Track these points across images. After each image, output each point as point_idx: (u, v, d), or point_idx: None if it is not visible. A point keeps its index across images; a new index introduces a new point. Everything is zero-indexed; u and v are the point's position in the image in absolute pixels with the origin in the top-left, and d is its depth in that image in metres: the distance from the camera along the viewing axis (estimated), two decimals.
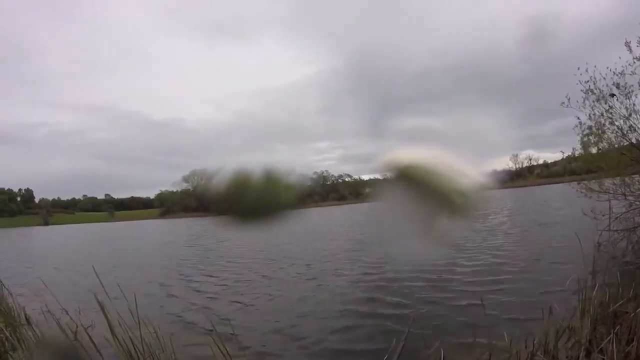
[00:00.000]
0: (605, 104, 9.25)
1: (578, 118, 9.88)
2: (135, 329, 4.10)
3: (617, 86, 8.97)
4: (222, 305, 8.11)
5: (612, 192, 9.83)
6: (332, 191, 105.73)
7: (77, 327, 5.48)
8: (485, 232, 15.18)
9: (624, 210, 9.76)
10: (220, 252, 17.21)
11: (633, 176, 9.54)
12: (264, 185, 0.90)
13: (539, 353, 4.14)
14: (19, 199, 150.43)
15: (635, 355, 3.64)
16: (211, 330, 4.19)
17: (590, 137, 10.02)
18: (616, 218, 9.72)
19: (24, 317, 7.19)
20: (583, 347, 3.99)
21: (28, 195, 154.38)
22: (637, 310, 4.19)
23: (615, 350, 3.56)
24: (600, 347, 3.79)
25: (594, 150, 10.24)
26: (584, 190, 10.41)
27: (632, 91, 8.87)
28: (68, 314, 5.35)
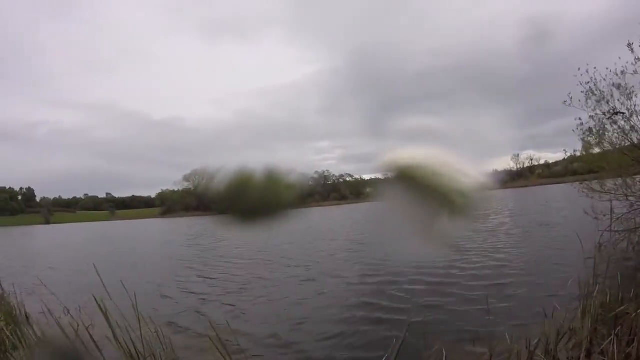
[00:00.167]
0: (607, 104, 9.24)
1: (580, 119, 9.89)
2: (136, 328, 4.10)
3: (618, 87, 8.96)
4: (222, 305, 8.12)
5: (613, 192, 9.82)
6: (333, 191, 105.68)
7: (77, 326, 5.48)
8: (486, 232, 15.16)
9: (625, 211, 9.74)
10: (220, 252, 17.20)
11: (635, 177, 9.53)
12: (265, 185, 0.90)
13: (539, 353, 4.14)
14: (20, 197, 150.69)
15: (636, 357, 3.64)
16: (211, 330, 4.19)
17: (592, 138, 10.01)
18: (617, 219, 9.72)
19: (24, 315, 7.21)
20: (584, 348, 3.99)
21: (29, 194, 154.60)
22: (638, 311, 4.18)
23: (616, 351, 3.56)
24: (601, 348, 3.79)
25: (595, 150, 10.23)
26: (585, 191, 10.40)
27: (634, 91, 8.86)
28: (69, 313, 5.37)
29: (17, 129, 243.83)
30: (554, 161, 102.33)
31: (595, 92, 9.28)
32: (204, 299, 8.67)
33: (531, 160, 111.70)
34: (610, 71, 8.99)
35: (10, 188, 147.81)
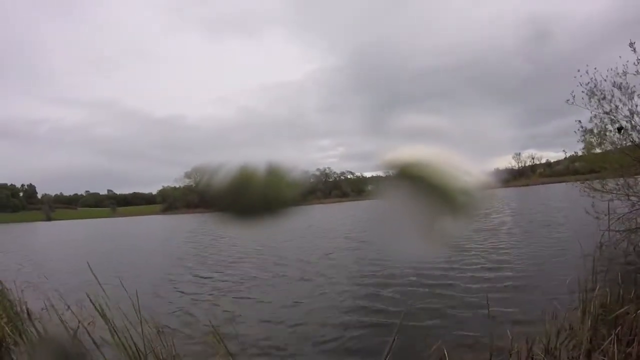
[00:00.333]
0: (609, 104, 9.22)
1: (579, 121, 9.89)
2: (137, 325, 4.11)
3: (619, 87, 8.94)
4: (222, 303, 8.13)
5: (615, 192, 9.81)
6: (334, 188, 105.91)
7: (79, 322, 5.49)
8: (487, 231, 15.16)
9: (626, 210, 9.73)
10: (220, 249, 17.20)
11: (636, 177, 9.51)
12: (267, 182, 0.90)
13: (539, 353, 4.14)
14: (21, 194, 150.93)
15: (636, 357, 3.64)
16: (211, 328, 4.20)
17: (593, 139, 9.99)
18: (618, 219, 9.72)
19: (26, 312, 7.24)
20: (584, 348, 3.99)
21: (31, 190, 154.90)
22: (638, 312, 4.19)
23: (616, 351, 3.56)
24: (601, 348, 3.78)
25: (597, 150, 10.22)
26: (587, 190, 10.38)
27: (635, 92, 8.84)
28: (70, 309, 5.37)
29: (19, 126, 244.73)
30: (555, 160, 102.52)
31: (596, 93, 9.26)
32: (204, 297, 8.68)
33: (533, 159, 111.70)
34: (612, 70, 8.97)
35: (11, 185, 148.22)
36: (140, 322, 4.09)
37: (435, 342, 4.82)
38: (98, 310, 4.08)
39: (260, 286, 9.38)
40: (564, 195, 29.53)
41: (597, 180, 10.21)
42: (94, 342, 4.18)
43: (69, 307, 5.55)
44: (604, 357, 3.71)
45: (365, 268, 10.44)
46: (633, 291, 4.95)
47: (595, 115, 9.57)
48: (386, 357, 4.41)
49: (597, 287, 4.75)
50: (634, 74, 8.61)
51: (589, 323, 4.14)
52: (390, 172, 0.86)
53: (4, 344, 5.57)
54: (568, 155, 12.78)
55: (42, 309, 6.97)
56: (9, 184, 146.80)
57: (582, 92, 9.42)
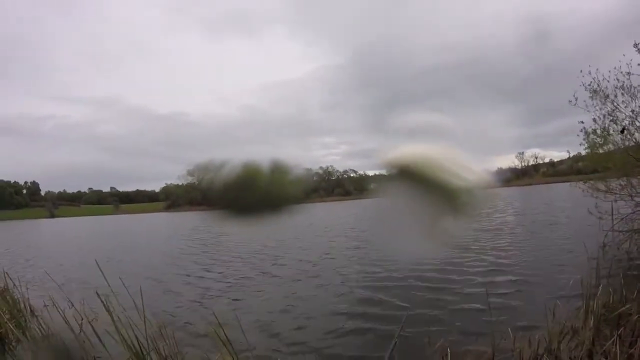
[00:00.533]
0: (612, 104, 9.20)
1: (582, 122, 9.86)
2: (140, 322, 4.12)
3: (623, 87, 8.93)
4: (224, 301, 8.14)
5: (618, 192, 9.78)
6: (337, 186, 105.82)
7: (82, 319, 5.52)
8: (490, 231, 15.11)
9: (629, 211, 9.70)
10: (222, 247, 17.20)
11: (639, 177, 9.49)
12: (270, 180, 0.90)
13: (542, 352, 4.14)
14: (25, 191, 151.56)
15: (638, 357, 3.63)
16: (214, 326, 4.20)
17: (596, 139, 9.96)
18: (622, 219, 9.69)
19: (29, 309, 7.26)
20: (586, 348, 3.98)
21: (34, 188, 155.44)
22: None
23: (618, 351, 3.55)
24: (603, 349, 3.78)
25: (600, 151, 10.18)
26: (590, 190, 10.35)
27: (638, 92, 8.82)
28: (73, 306, 5.39)
29: (24, 123, 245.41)
30: (558, 159, 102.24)
31: (599, 92, 9.24)
32: (206, 294, 8.69)
33: (536, 158, 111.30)
34: (615, 69, 8.95)
35: (15, 182, 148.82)
36: (144, 319, 4.10)
37: (437, 341, 4.82)
38: (105, 307, 4.09)
39: (262, 285, 9.38)
40: (567, 195, 29.45)
41: (601, 181, 10.19)
42: (99, 339, 4.20)
43: (72, 304, 5.58)
44: (606, 357, 3.70)
45: (367, 268, 10.43)
46: (636, 292, 4.93)
47: (598, 115, 9.56)
48: (389, 356, 4.42)
49: (600, 288, 4.73)
50: (639, 75, 8.60)
51: (592, 323, 4.14)
52: (392, 171, 0.86)
53: (7, 340, 5.60)
54: (572, 155, 12.77)
55: (45, 305, 7.00)
56: (12, 181, 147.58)
57: (586, 90, 9.42)
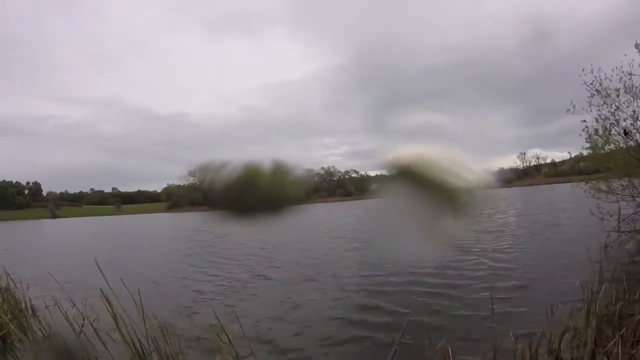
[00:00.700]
0: (613, 103, 9.19)
1: (584, 121, 9.84)
2: (141, 323, 4.12)
3: (624, 86, 8.92)
4: (225, 301, 8.16)
5: (620, 193, 9.77)
6: (338, 187, 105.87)
7: (83, 319, 5.51)
8: (492, 232, 15.10)
9: (631, 211, 9.68)
10: (223, 248, 17.20)
11: None
12: (271, 180, 0.90)
13: (543, 353, 4.13)
14: (26, 192, 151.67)
15: None
16: (215, 327, 4.20)
17: (598, 139, 9.95)
18: (624, 219, 9.67)
19: (30, 309, 7.27)
20: (588, 349, 3.97)
21: (36, 188, 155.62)
22: None
23: (620, 352, 3.54)
24: (605, 349, 3.77)
25: (601, 151, 10.16)
26: (592, 191, 10.34)
27: None
28: (75, 306, 5.38)
29: (24, 123, 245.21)
30: (560, 160, 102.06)
31: (601, 92, 9.23)
32: (208, 296, 8.70)
33: (537, 158, 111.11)
34: (617, 68, 8.95)
35: (17, 182, 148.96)
36: (144, 319, 4.10)
37: (439, 341, 4.81)
38: (107, 308, 4.09)
39: (263, 286, 9.39)
40: (569, 195, 29.37)
41: (602, 181, 10.17)
42: (100, 339, 4.20)
43: (73, 304, 5.57)
44: (608, 358, 3.69)
45: (368, 268, 10.43)
46: (638, 292, 4.92)
47: (598, 116, 9.55)
48: (392, 357, 4.41)
49: (602, 288, 4.72)
50: None
51: (594, 324, 4.12)
52: (393, 172, 0.86)
53: (8, 340, 5.60)
54: (573, 155, 12.77)
55: (47, 306, 7.00)
56: (14, 181, 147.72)
57: (587, 90, 9.41)
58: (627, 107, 9.09)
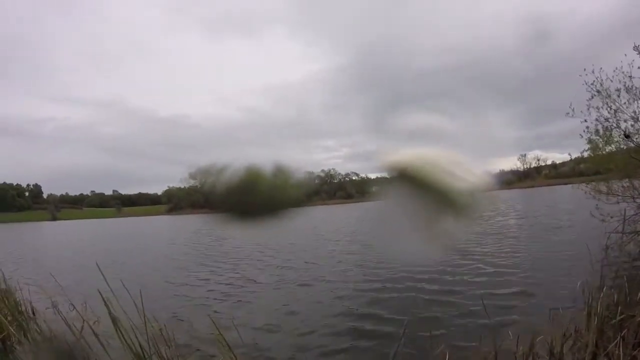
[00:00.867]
0: (614, 104, 9.19)
1: (585, 121, 9.83)
2: (141, 325, 4.11)
3: (625, 87, 8.93)
4: (225, 305, 8.15)
5: (620, 194, 9.76)
6: (339, 189, 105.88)
7: (83, 322, 5.50)
8: (492, 234, 15.09)
9: (632, 213, 9.67)
10: (223, 251, 17.17)
11: None
12: (272, 183, 0.90)
13: (544, 355, 4.12)
14: (27, 194, 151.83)
15: None
16: (215, 331, 4.19)
17: (599, 141, 9.94)
18: (625, 221, 9.65)
19: (30, 311, 7.27)
20: (589, 351, 3.96)
21: (36, 190, 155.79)
22: None
23: (621, 354, 3.53)
24: (606, 351, 3.76)
25: (602, 152, 10.16)
26: (592, 192, 10.32)
27: None
28: (75, 309, 5.37)
29: (25, 124, 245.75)
30: (560, 162, 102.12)
31: (602, 92, 9.22)
32: (208, 299, 8.69)
33: (538, 160, 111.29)
34: (618, 69, 8.95)
35: (17, 184, 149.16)
36: (145, 322, 4.10)
37: (438, 345, 4.80)
38: (107, 310, 4.08)
39: (263, 289, 9.38)
40: (569, 197, 29.33)
41: (603, 182, 10.16)
42: (100, 342, 4.19)
43: (73, 306, 5.57)
44: None
45: (368, 272, 10.42)
46: (639, 294, 4.91)
47: (597, 119, 9.55)
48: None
49: (603, 290, 4.71)
50: None
51: (595, 326, 4.11)
52: (393, 174, 0.86)
53: (8, 342, 5.60)
54: (573, 157, 12.79)
55: (47, 308, 6.99)
56: (14, 183, 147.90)
57: (588, 91, 9.41)
58: (627, 107, 9.09)
